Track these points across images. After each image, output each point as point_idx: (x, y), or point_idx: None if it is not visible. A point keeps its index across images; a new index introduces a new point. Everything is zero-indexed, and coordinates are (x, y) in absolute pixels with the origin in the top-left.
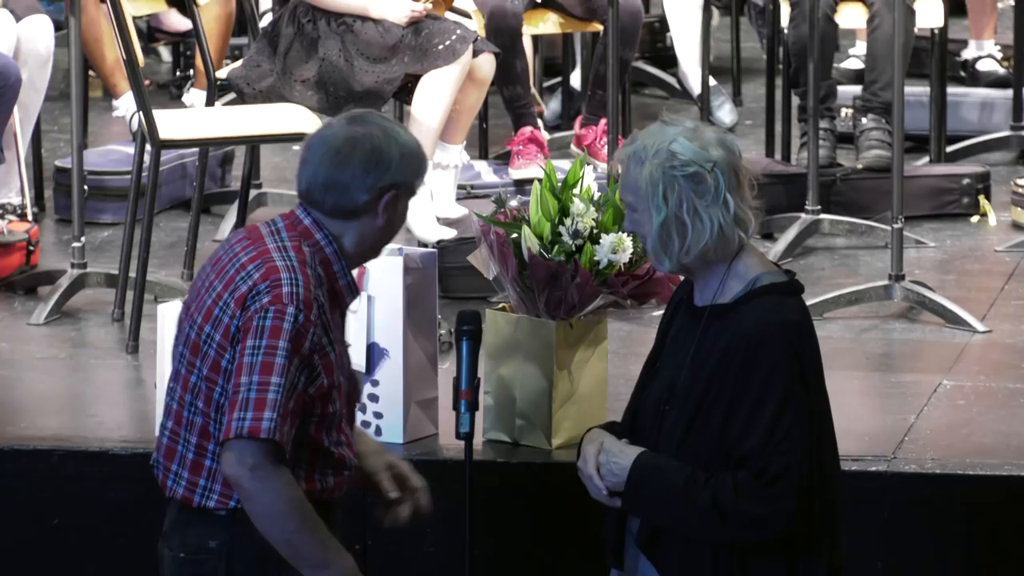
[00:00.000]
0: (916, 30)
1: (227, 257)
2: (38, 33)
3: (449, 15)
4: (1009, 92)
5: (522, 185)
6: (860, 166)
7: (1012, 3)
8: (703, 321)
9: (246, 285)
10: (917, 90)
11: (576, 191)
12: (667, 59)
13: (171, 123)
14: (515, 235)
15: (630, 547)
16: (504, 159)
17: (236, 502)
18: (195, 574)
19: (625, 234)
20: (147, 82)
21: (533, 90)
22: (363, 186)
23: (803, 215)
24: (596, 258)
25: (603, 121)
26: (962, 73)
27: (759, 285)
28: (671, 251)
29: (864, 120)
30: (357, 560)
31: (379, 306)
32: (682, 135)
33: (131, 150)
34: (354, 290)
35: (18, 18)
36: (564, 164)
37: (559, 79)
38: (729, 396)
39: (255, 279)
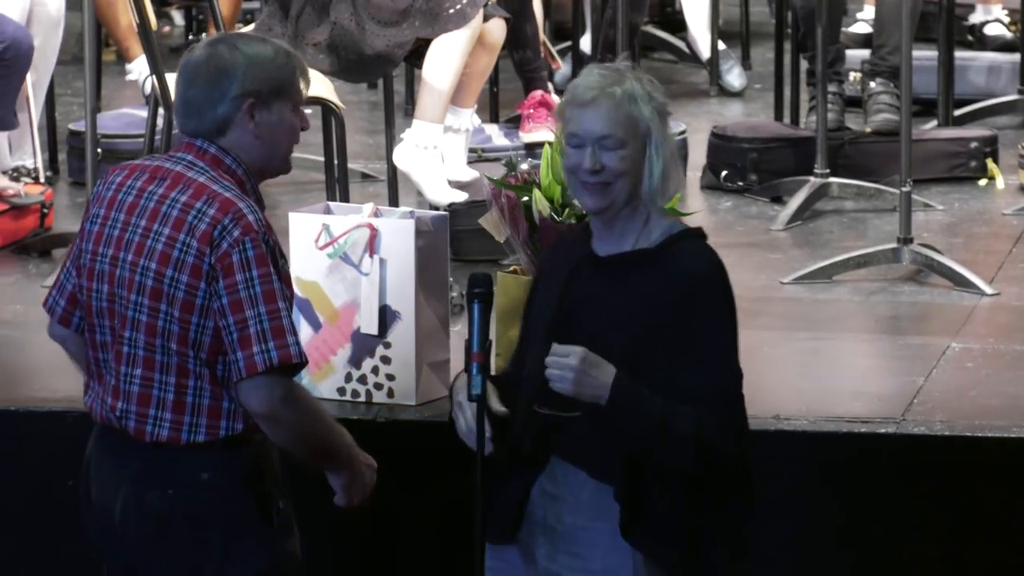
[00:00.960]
0: None
1: (150, 201)
2: None
3: None
4: (1016, 56)
5: (533, 148)
6: (868, 130)
7: None
8: (623, 267)
9: (204, 223)
10: (925, 54)
11: None
12: (676, 23)
13: None
14: (526, 198)
15: (529, 523)
16: (515, 123)
17: (225, 431)
18: (188, 509)
19: None
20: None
21: (549, 45)
22: (213, 101)
23: (812, 178)
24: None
25: None
26: (969, 37)
27: (677, 230)
28: (667, 192)
29: (872, 84)
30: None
31: (391, 269)
32: (643, 79)
33: (144, 113)
34: (262, 204)
35: None
36: None
37: (569, 43)
38: (677, 338)
39: (212, 215)
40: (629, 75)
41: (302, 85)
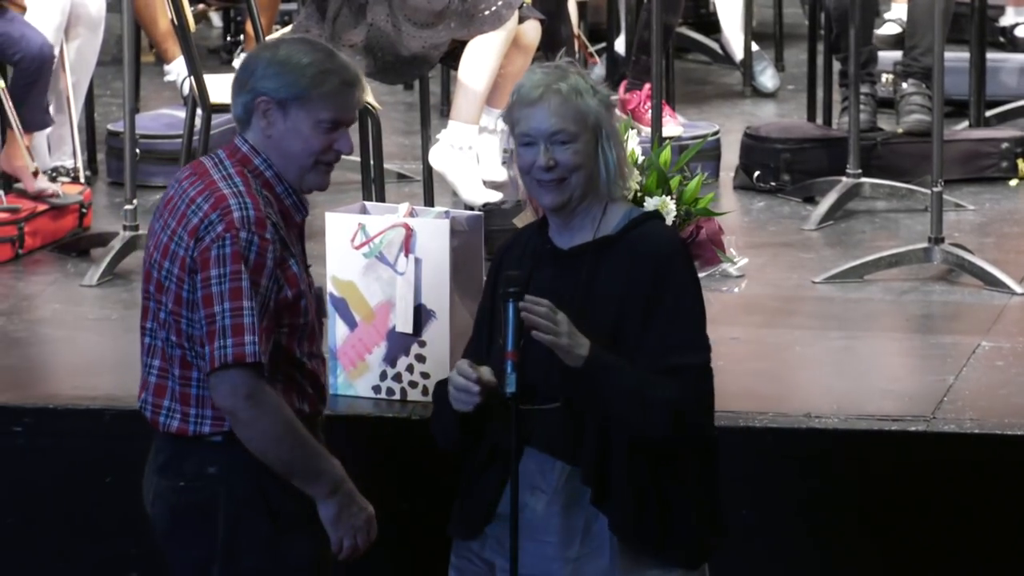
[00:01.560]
0: None
1: (178, 195)
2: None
3: None
4: None
5: None
6: (900, 130)
7: None
8: (589, 256)
9: (197, 217)
10: (957, 55)
11: None
12: (710, 25)
13: (221, 87)
14: None
15: (499, 517)
16: None
17: (229, 425)
18: (196, 500)
19: (669, 197)
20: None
21: (585, 39)
22: (237, 91)
23: (844, 179)
24: None
25: (647, 86)
26: (1001, 39)
27: (635, 214)
28: (624, 179)
29: (904, 85)
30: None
31: (426, 268)
32: (584, 74)
33: (182, 114)
34: (300, 209)
35: None
36: None
37: (604, 44)
38: (649, 315)
39: (205, 210)
40: (572, 71)
41: (338, 106)
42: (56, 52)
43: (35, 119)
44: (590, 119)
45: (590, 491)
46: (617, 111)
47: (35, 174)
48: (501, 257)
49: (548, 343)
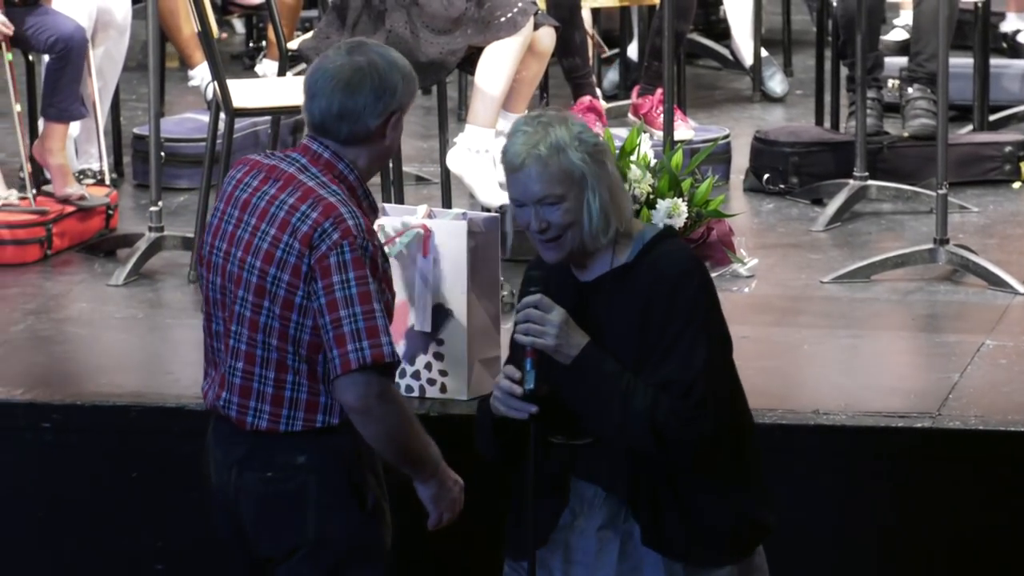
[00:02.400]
0: (960, 4)
1: (262, 200)
2: (116, 4)
3: None
4: None
5: None
6: (906, 134)
7: None
8: (610, 286)
9: (307, 225)
10: (961, 61)
11: (633, 158)
12: (720, 31)
13: (244, 92)
14: None
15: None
16: None
17: (321, 423)
18: (285, 490)
19: (681, 199)
20: (224, 36)
21: (595, 32)
22: (374, 112)
23: (851, 181)
24: (653, 222)
25: (659, 91)
26: (1003, 45)
27: (649, 238)
28: (611, 228)
29: (910, 90)
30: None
31: (444, 268)
32: (568, 123)
33: (206, 118)
34: (375, 209)
35: None
36: (622, 132)
37: (617, 51)
38: (657, 330)
39: (314, 218)
40: (554, 124)
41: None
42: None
43: (70, 108)
44: (575, 175)
45: (624, 511)
46: (629, 115)
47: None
48: (532, 282)
49: (534, 345)
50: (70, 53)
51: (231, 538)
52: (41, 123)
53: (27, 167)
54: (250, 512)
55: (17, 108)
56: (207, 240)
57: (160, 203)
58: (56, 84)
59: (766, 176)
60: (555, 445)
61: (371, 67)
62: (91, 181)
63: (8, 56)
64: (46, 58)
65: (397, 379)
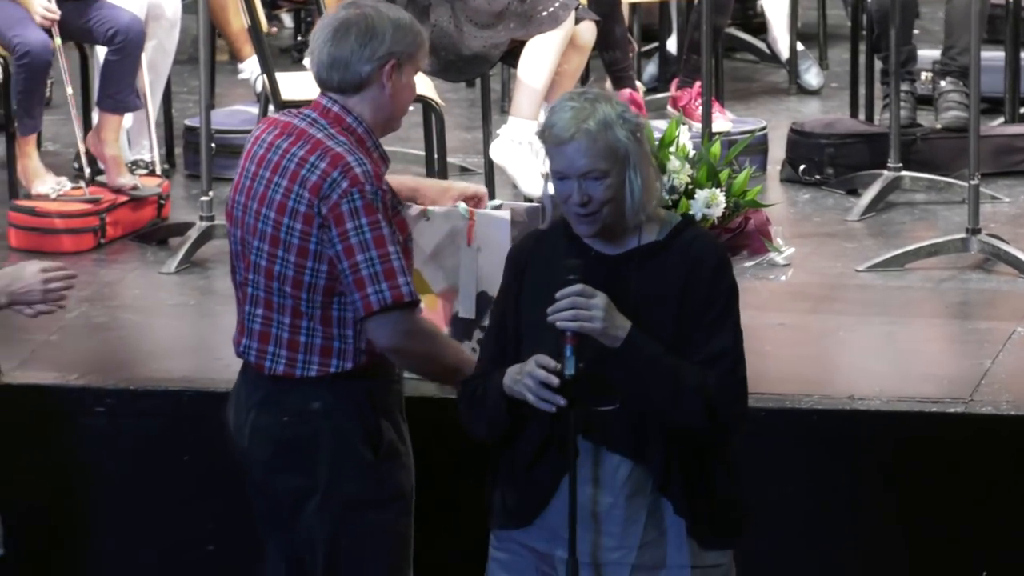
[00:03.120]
0: None
1: (276, 155)
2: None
3: None
4: None
5: None
6: (939, 126)
7: None
8: (640, 261)
9: (315, 175)
10: (992, 55)
11: (672, 149)
12: (758, 25)
13: (292, 84)
14: None
15: (558, 510)
16: None
17: (336, 368)
18: (300, 434)
19: (719, 190)
20: (275, 30)
21: (630, 36)
22: (362, 58)
23: (885, 172)
24: (691, 212)
25: (697, 84)
26: None
27: (676, 222)
28: (650, 205)
29: (942, 83)
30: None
31: (487, 257)
32: (612, 101)
33: (255, 110)
34: (386, 159)
35: None
36: (661, 124)
37: (656, 44)
38: (698, 310)
39: (323, 168)
40: (601, 101)
41: (425, 55)
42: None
43: (127, 100)
44: (620, 151)
45: (653, 481)
46: (668, 107)
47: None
48: (526, 261)
49: (582, 330)
50: (128, 45)
51: (247, 480)
52: (95, 114)
53: (83, 158)
54: (262, 455)
55: (69, 91)
56: (231, 196)
57: (211, 193)
58: (114, 76)
59: (802, 167)
60: (576, 413)
61: (359, 17)
62: (143, 172)
63: (57, 40)
64: (100, 50)
65: None
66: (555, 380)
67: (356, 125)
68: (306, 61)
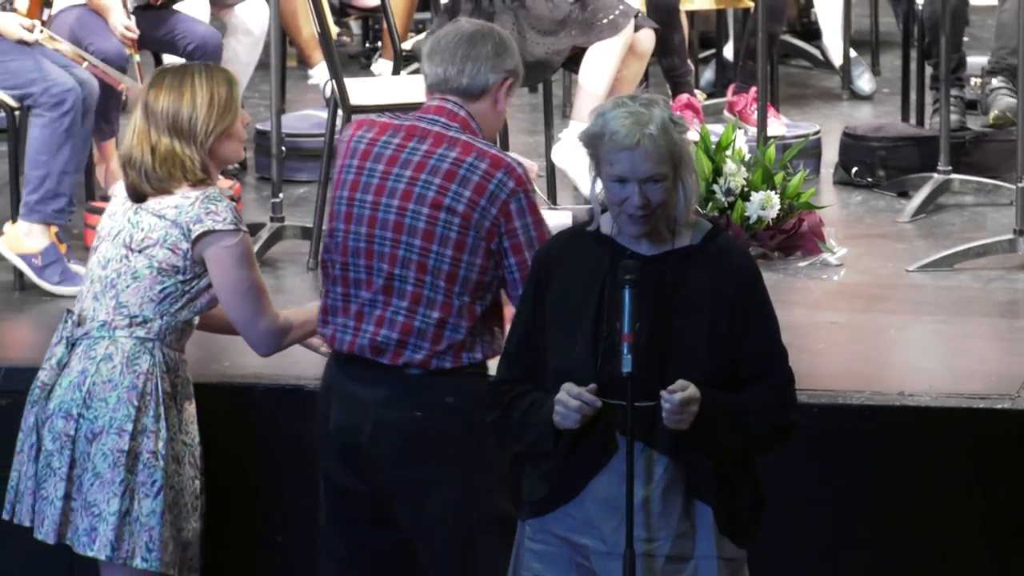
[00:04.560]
0: None
1: (415, 155)
2: (253, 15)
3: None
4: None
5: None
6: (990, 118)
7: None
8: (677, 264)
9: (477, 175)
10: None
11: (728, 153)
12: (812, 32)
13: (360, 90)
14: None
15: (592, 501)
16: None
17: (467, 361)
18: (433, 427)
19: (774, 192)
20: (347, 38)
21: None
22: (492, 67)
23: (935, 175)
24: (747, 214)
25: (753, 89)
26: None
27: (709, 227)
28: (693, 204)
29: (993, 81)
30: None
31: None
32: (662, 105)
33: (324, 115)
34: None
35: None
36: (718, 128)
37: (713, 51)
38: (742, 323)
39: (485, 169)
40: (653, 106)
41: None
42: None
43: None
44: (675, 154)
45: (687, 476)
46: (725, 112)
47: None
48: (553, 262)
49: (679, 427)
50: (207, 58)
51: (347, 480)
52: None
53: None
54: (392, 451)
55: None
56: (341, 194)
57: (281, 195)
58: None
59: (854, 170)
60: (611, 405)
61: (491, 30)
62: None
63: (136, 57)
64: (171, 58)
65: None
66: (599, 403)
67: (478, 131)
68: (375, 67)
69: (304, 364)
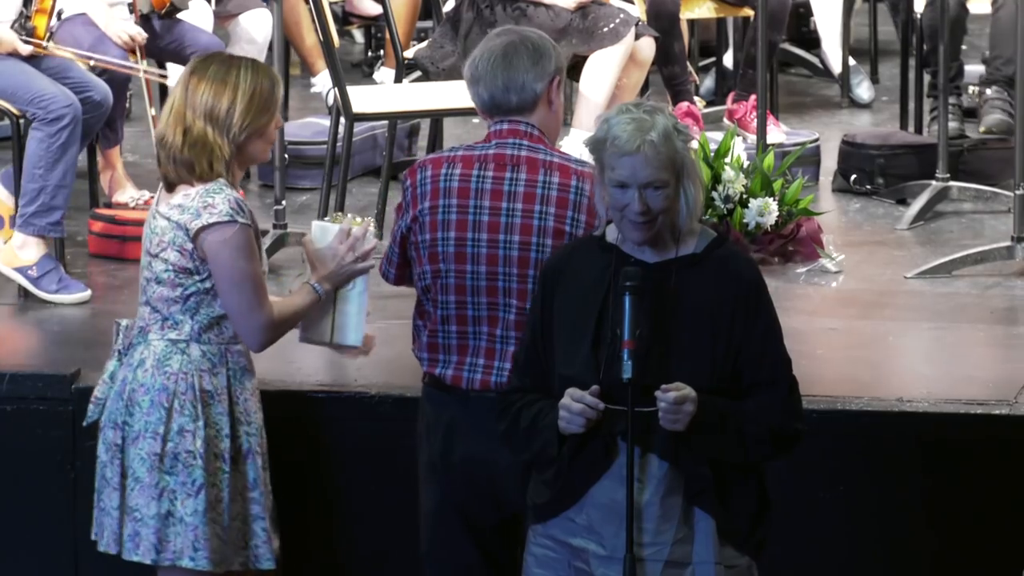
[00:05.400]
0: None
1: (519, 185)
2: (257, 24)
3: (613, 1)
4: None
5: None
6: (982, 129)
7: None
8: (680, 272)
9: (585, 198)
10: None
11: (727, 160)
12: (811, 41)
13: (363, 98)
14: None
15: (592, 506)
16: None
17: None
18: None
19: (772, 199)
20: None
21: (689, 66)
22: (536, 77)
23: (933, 182)
24: (745, 220)
25: (753, 97)
26: None
27: (711, 237)
28: (699, 212)
29: (988, 92)
30: None
31: None
32: (666, 113)
33: (327, 123)
34: None
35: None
36: (717, 136)
37: (713, 59)
38: (745, 331)
39: (588, 190)
40: (657, 114)
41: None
42: None
43: None
44: (677, 162)
45: (686, 481)
46: (725, 120)
47: None
48: (559, 272)
49: (673, 429)
50: None
51: (480, 510)
52: None
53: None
54: (514, 479)
55: (152, 112)
56: (444, 236)
57: (284, 202)
58: None
59: (853, 177)
60: (613, 411)
61: (523, 38)
62: None
63: (143, 64)
64: (174, 67)
65: None
66: (602, 405)
67: (547, 139)
68: (377, 75)
69: (307, 371)
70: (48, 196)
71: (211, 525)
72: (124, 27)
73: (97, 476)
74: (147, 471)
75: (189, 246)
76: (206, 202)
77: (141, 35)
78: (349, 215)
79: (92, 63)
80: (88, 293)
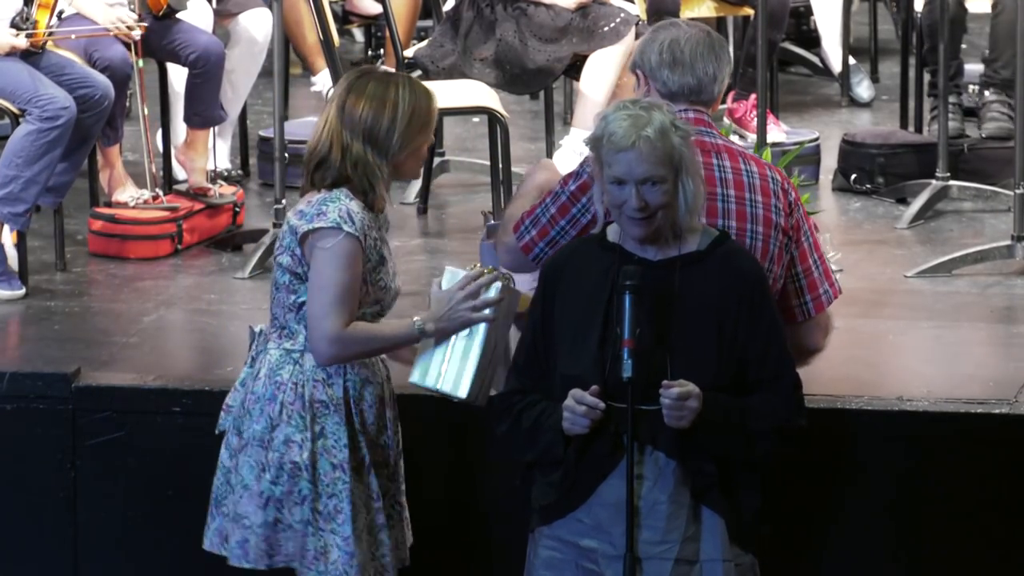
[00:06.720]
0: None
1: (729, 173)
2: (256, 24)
3: (614, 0)
4: None
5: None
6: (983, 135)
7: None
8: (683, 269)
9: (778, 185)
10: None
11: None
12: (811, 40)
13: None
14: None
15: (600, 505)
16: None
17: None
18: None
19: None
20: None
21: None
22: (723, 72)
23: (934, 181)
24: None
25: (753, 96)
26: None
27: (716, 234)
28: (698, 208)
29: (987, 94)
30: None
31: None
32: (663, 110)
33: None
34: None
35: (242, 8)
36: None
37: None
38: (748, 328)
39: (780, 180)
40: (655, 110)
41: None
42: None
43: (213, 115)
44: (675, 158)
45: (694, 479)
46: (725, 119)
47: (207, 176)
48: (560, 271)
49: (679, 426)
50: (210, 67)
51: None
52: (182, 128)
53: (149, 168)
54: None
55: (144, 111)
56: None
57: (284, 201)
58: (199, 95)
59: (853, 176)
60: (619, 410)
61: (708, 33)
62: (223, 181)
63: (140, 63)
64: (173, 67)
65: None
66: (602, 405)
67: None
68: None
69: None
70: (19, 187)
71: (316, 536)
72: (116, 12)
73: (218, 481)
74: (255, 479)
75: (298, 251)
76: (320, 209)
77: (132, 19)
78: (479, 265)
79: (74, 36)
80: (21, 292)
